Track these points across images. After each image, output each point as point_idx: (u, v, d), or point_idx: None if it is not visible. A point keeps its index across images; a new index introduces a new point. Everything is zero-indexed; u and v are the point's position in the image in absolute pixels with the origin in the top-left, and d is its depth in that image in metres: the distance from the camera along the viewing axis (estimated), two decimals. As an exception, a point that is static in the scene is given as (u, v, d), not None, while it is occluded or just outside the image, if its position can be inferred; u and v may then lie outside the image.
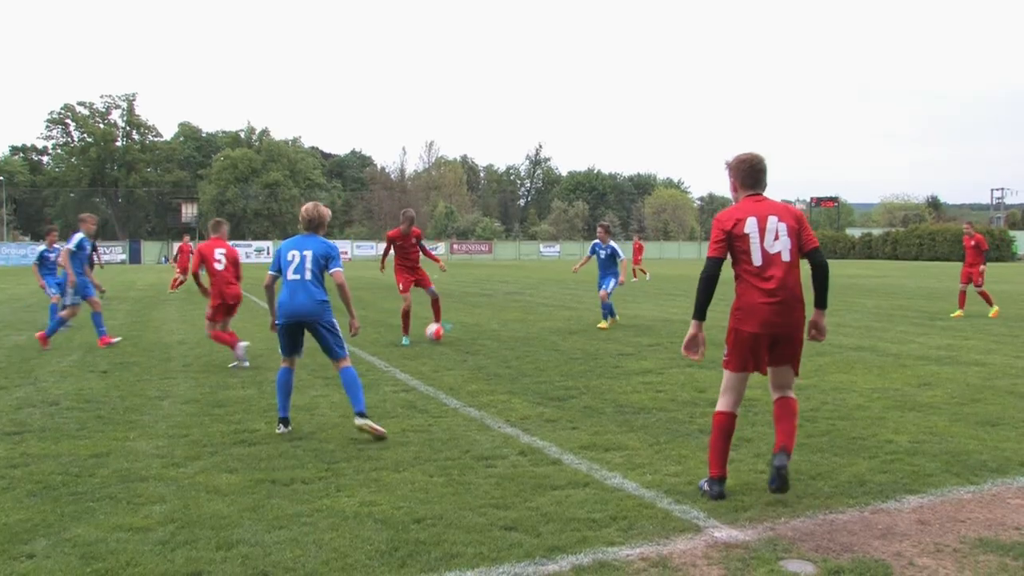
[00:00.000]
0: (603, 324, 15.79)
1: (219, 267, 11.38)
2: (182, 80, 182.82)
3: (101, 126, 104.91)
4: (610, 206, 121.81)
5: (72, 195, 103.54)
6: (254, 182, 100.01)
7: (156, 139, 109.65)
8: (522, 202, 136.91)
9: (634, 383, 9.63)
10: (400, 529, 4.79)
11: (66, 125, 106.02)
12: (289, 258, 7.24)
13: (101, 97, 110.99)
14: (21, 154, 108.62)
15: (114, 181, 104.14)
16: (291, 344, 7.35)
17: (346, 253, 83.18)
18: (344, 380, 7.17)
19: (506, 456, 6.37)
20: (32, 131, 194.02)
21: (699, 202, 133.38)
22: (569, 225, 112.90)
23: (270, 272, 7.44)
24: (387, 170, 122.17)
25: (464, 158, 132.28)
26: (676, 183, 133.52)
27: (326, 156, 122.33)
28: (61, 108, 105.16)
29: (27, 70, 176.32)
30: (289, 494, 5.47)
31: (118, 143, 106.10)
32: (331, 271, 7.29)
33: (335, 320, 7.37)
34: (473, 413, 7.99)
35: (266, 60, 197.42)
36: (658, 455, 6.40)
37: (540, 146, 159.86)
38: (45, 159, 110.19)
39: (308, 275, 7.19)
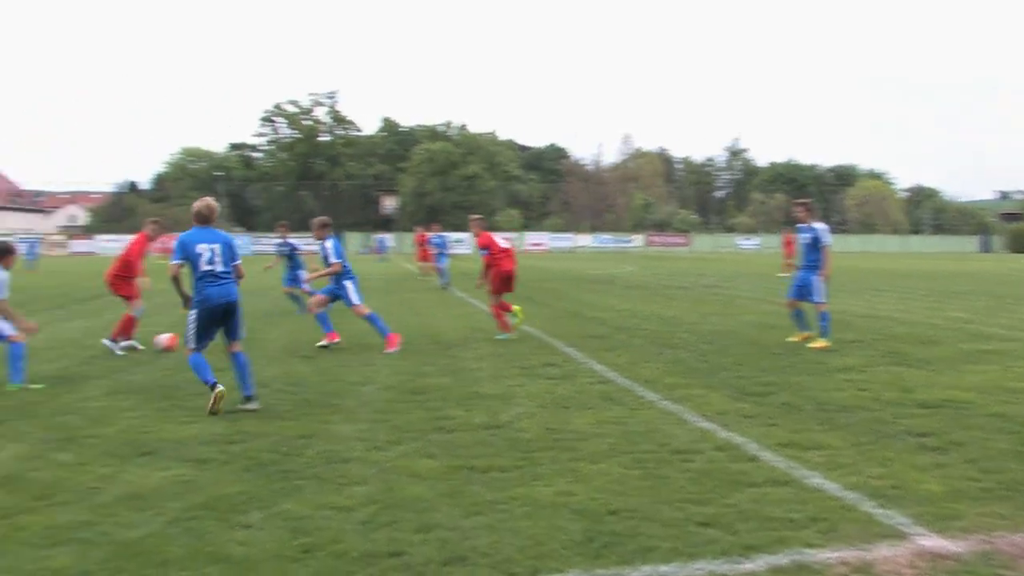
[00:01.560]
0: (796, 337, 12.56)
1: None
2: (384, 76, 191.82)
3: (307, 122, 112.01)
4: (811, 197, 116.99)
5: (280, 188, 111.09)
6: (452, 174, 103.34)
7: (358, 134, 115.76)
8: (720, 194, 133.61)
9: (836, 380, 9.29)
10: (596, 520, 4.84)
11: (275, 123, 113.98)
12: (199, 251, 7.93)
13: (308, 95, 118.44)
14: (238, 151, 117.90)
15: (319, 175, 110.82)
16: (213, 331, 8.12)
17: (543, 244, 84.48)
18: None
19: (703, 451, 6.32)
20: (248, 129, 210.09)
21: (905, 193, 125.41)
22: (768, 217, 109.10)
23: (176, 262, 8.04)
24: (583, 162, 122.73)
25: (661, 150, 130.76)
26: (879, 174, 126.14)
27: (523, 149, 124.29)
28: (272, 107, 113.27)
29: (245, 73, 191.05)
30: (486, 481, 5.62)
31: (323, 138, 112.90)
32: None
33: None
34: (670, 406, 7.96)
35: (464, 56, 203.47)
36: (861, 456, 6.16)
37: (738, 137, 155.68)
38: (257, 155, 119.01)
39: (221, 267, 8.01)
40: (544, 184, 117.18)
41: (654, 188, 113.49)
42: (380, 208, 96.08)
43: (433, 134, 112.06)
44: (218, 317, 8.05)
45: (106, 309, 17.41)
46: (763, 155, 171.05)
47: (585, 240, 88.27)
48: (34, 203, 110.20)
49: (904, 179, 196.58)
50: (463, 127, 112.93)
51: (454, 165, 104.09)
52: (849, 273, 33.58)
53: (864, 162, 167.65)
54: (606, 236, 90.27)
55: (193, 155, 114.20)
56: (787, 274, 32.54)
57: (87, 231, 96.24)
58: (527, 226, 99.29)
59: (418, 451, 6.41)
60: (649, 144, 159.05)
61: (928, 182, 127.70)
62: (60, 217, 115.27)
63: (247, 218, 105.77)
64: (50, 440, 6.76)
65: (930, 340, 12.65)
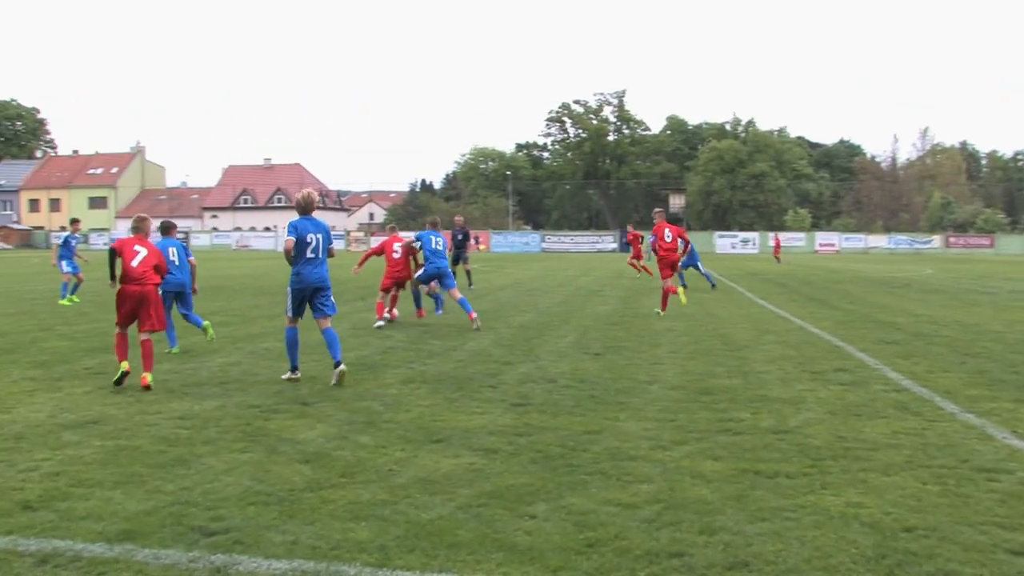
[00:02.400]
0: None
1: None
2: (670, 74, 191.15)
3: (594, 122, 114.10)
4: None
5: (567, 187, 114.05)
6: (740, 173, 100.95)
7: (645, 133, 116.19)
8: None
9: None
10: (888, 536, 4.59)
11: (563, 123, 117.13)
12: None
13: (594, 95, 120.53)
14: (524, 151, 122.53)
15: (605, 173, 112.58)
16: (302, 307, 9.32)
17: (833, 244, 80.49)
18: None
19: (1013, 471, 5.90)
20: (534, 130, 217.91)
21: None
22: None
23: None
24: (877, 159, 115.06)
25: (963, 144, 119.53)
26: None
27: (813, 146, 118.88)
28: (559, 107, 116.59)
29: (533, 74, 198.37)
30: (772, 487, 5.48)
31: (610, 137, 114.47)
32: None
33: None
34: (973, 420, 7.52)
35: (750, 50, 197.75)
36: None
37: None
38: (544, 155, 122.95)
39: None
40: (835, 182, 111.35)
41: (954, 186, 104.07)
42: (667, 207, 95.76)
43: (720, 132, 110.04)
44: (308, 295, 9.27)
45: (405, 301, 18.70)
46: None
47: (878, 241, 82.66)
48: (339, 202, 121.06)
49: None
50: (750, 123, 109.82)
51: (741, 163, 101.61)
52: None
53: None
54: (901, 237, 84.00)
55: (483, 155, 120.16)
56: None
57: (384, 227, 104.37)
58: (817, 226, 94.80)
59: (703, 452, 6.36)
60: (949, 138, 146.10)
61: None
62: (361, 215, 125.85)
63: (535, 216, 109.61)
64: (353, 423, 7.33)
65: None
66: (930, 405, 8.18)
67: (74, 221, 20.90)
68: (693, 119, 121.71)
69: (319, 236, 9.23)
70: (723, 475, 5.75)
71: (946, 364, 10.70)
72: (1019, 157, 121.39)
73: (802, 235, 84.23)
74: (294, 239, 9.12)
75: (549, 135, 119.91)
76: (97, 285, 22.81)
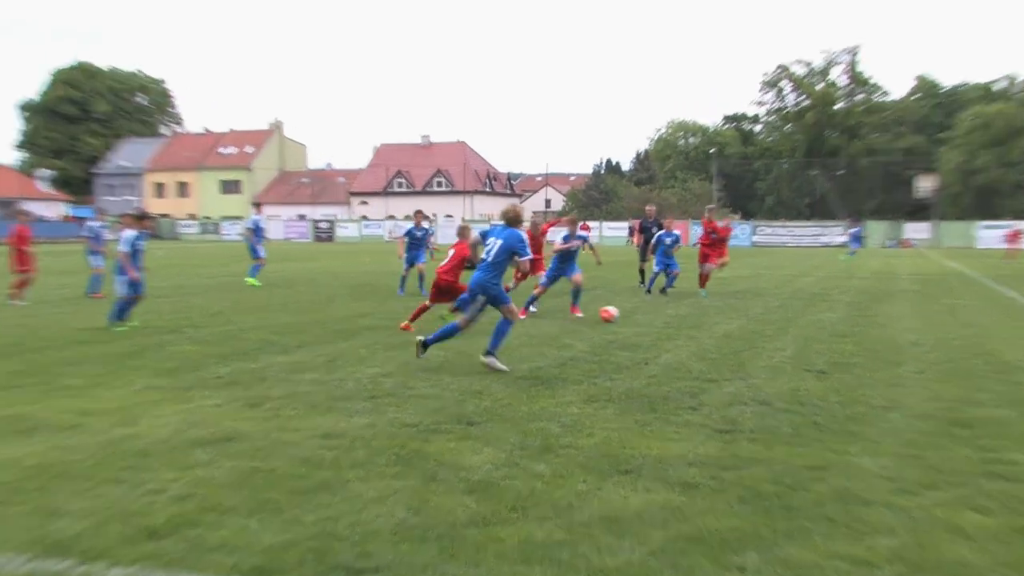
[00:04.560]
0: None
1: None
2: (916, 24, 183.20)
3: (820, 86, 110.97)
4: None
5: (785, 166, 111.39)
6: (1014, 145, 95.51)
7: (884, 98, 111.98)
8: None
9: None
10: None
11: (780, 88, 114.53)
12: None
13: (820, 52, 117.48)
14: (733, 124, 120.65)
15: (833, 150, 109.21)
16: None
17: None
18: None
19: None
20: (745, 98, 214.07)
21: None
22: None
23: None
24: None
25: None
26: None
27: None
28: (776, 69, 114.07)
29: (740, 31, 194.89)
30: (1061, 552, 5.19)
31: (839, 105, 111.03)
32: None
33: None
34: None
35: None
36: None
37: None
38: (757, 128, 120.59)
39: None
40: None
41: None
42: (913, 191, 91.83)
43: (986, 93, 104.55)
44: (474, 293, 11.20)
45: (585, 305, 18.74)
46: None
47: None
48: (510, 186, 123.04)
49: None
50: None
51: (1017, 132, 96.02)
52: None
53: None
54: None
55: (682, 129, 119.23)
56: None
57: (561, 215, 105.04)
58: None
59: (963, 500, 6.12)
60: None
61: None
62: (537, 200, 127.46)
63: (745, 203, 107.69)
64: (526, 447, 7.42)
65: None
66: None
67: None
68: (949, 79, 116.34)
69: (497, 243, 11.22)
70: (991, 533, 5.51)
71: None
72: None
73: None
74: (473, 242, 12.29)
75: (763, 104, 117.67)
76: (215, 281, 24.06)
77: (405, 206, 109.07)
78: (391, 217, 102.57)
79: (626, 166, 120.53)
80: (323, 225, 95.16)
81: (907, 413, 8.89)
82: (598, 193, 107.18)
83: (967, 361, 12.20)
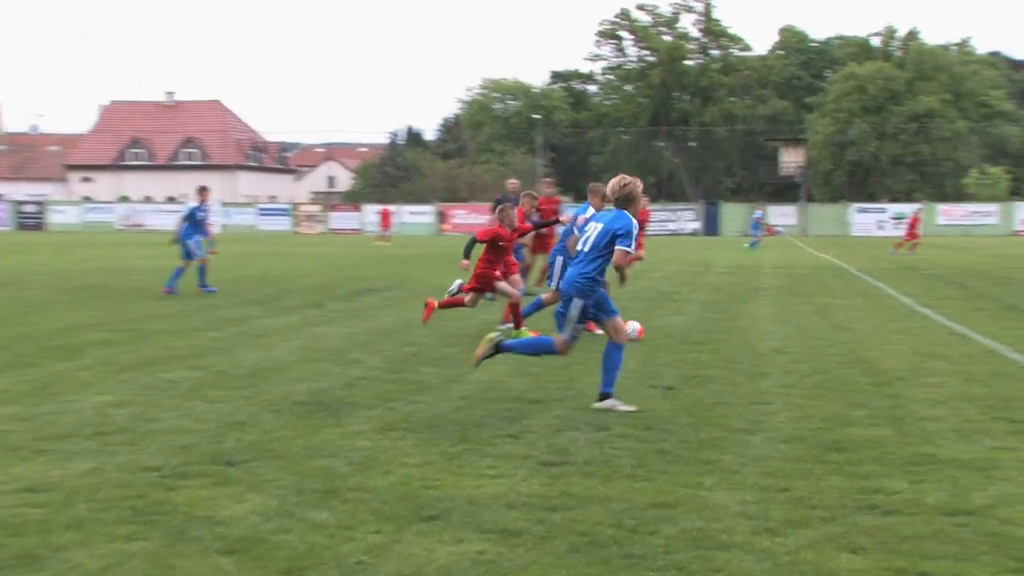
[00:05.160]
0: None
1: None
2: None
3: (668, 39, 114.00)
4: None
5: (626, 137, 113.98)
6: (893, 112, 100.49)
7: (744, 53, 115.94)
8: None
9: None
10: None
11: (619, 40, 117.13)
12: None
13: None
14: (562, 83, 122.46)
15: (683, 116, 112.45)
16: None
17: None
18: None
19: None
20: (577, 52, 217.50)
21: None
22: None
23: None
24: None
25: None
26: None
27: (1018, 66, 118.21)
28: (615, 17, 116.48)
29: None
30: (949, 600, 5.42)
31: (690, 62, 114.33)
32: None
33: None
34: None
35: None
36: None
37: None
38: (592, 90, 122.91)
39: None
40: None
41: None
42: (779, 167, 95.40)
43: (862, 50, 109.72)
44: (567, 299, 10.47)
45: (381, 308, 18.69)
46: None
47: None
48: (282, 160, 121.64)
49: None
50: (912, 36, 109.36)
51: (895, 97, 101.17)
52: None
53: None
54: None
55: (500, 89, 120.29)
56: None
57: (350, 199, 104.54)
58: (1020, 192, 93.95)
59: (835, 539, 6.33)
60: None
61: None
62: (315, 180, 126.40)
63: (577, 181, 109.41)
64: (303, 491, 7.32)
65: None
66: None
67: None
68: (819, 32, 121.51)
69: (597, 227, 10.62)
70: (868, 574, 5.72)
71: None
72: None
73: (993, 208, 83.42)
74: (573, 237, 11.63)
75: (599, 59, 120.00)
76: None
77: (144, 184, 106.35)
78: (125, 199, 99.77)
79: (431, 136, 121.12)
80: (29, 208, 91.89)
81: (772, 436, 9.14)
82: (395, 169, 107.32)
83: (841, 372, 12.67)
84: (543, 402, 10.65)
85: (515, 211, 16.37)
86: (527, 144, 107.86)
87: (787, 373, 12.58)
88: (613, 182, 10.78)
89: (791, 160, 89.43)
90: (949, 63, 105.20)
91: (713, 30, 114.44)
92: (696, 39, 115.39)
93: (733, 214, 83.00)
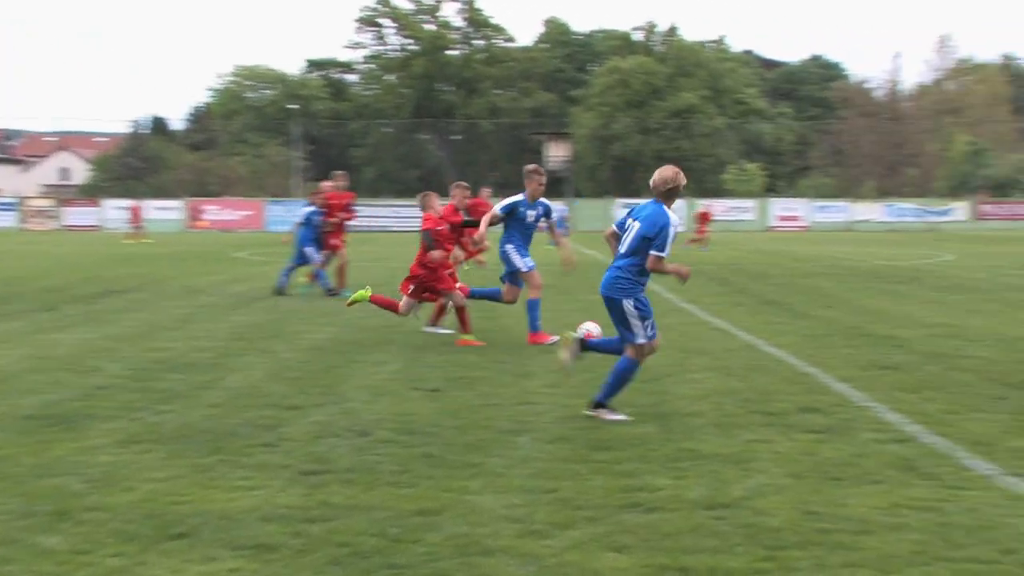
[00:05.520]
0: None
1: None
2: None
3: (431, 27, 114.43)
4: None
5: (389, 131, 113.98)
6: (655, 107, 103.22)
7: (508, 45, 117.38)
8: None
9: None
10: None
11: (379, 28, 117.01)
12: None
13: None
14: (320, 72, 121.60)
15: (447, 109, 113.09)
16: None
17: (798, 217, 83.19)
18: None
19: None
20: (336, 39, 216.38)
21: None
22: None
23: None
24: (869, 86, 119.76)
25: (1007, 59, 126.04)
26: None
27: (768, 65, 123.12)
28: (376, 2, 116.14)
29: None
30: (709, 593, 5.56)
31: (453, 52, 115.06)
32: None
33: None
34: (1021, 487, 7.79)
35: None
36: None
37: None
38: (352, 79, 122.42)
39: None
40: (803, 121, 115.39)
41: (990, 124, 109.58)
42: (544, 160, 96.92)
43: (625, 44, 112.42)
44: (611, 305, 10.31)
45: (125, 311, 18.13)
46: None
47: (870, 211, 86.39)
48: (5, 150, 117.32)
49: None
50: (672, 32, 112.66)
51: (658, 92, 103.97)
52: None
53: None
54: (905, 205, 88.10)
55: (254, 77, 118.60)
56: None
57: (87, 193, 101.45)
58: (774, 189, 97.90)
59: (599, 539, 6.45)
60: (985, 52, 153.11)
61: None
62: (46, 171, 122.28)
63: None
64: (32, 514, 7.01)
65: None
66: (951, 463, 8.40)
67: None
68: (582, 24, 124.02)
69: (635, 225, 10.29)
70: (632, 573, 5.84)
71: (976, 400, 11.04)
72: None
73: (750, 203, 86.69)
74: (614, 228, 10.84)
75: (359, 47, 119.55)
76: None
77: None
78: None
79: (178, 125, 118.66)
80: None
81: (539, 436, 9.25)
82: (139, 161, 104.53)
83: (605, 369, 12.60)
84: (301, 408, 10.49)
85: (437, 199, 16.25)
86: (283, 135, 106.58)
87: (553, 373, 12.60)
88: (666, 174, 10.41)
89: (557, 154, 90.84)
90: (708, 60, 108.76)
91: (476, 20, 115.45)
92: (460, 28, 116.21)
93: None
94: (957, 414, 10.30)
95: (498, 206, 15.78)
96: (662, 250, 9.95)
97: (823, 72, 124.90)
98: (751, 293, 24.19)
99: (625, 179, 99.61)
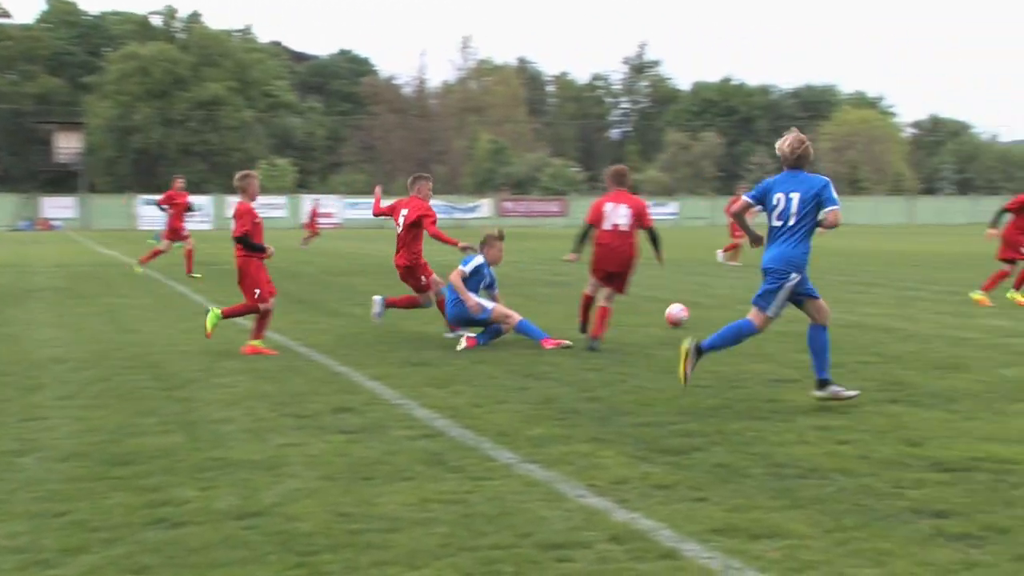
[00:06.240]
0: None
1: None
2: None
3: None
4: (761, 138, 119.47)
5: None
6: (179, 98, 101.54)
7: (7, 23, 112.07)
8: (616, 133, 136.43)
9: (800, 427, 9.83)
10: None
11: None
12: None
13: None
14: None
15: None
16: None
17: (332, 214, 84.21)
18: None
19: (590, 544, 6.53)
20: None
21: (912, 131, 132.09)
22: (693, 170, 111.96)
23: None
24: (397, 82, 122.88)
25: (522, 63, 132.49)
26: (872, 100, 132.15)
27: (298, 58, 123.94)
28: None
29: None
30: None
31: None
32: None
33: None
34: (538, 472, 8.27)
35: None
36: (841, 548, 6.44)
37: (644, 44, 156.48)
38: None
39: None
40: (333, 116, 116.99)
41: (511, 123, 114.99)
42: (53, 153, 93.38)
43: (143, 28, 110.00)
44: (780, 278, 10.61)
45: None
46: (685, 72, 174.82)
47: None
48: None
49: (911, 108, 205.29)
50: (194, 19, 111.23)
51: (181, 82, 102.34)
52: (824, 257, 34.52)
53: (849, 82, 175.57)
54: (436, 202, 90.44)
55: None
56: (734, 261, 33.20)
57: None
58: (306, 185, 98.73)
59: (117, 562, 6.27)
60: (503, 54, 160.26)
61: (949, 113, 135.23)
62: None
63: None
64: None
65: (952, 364, 13.46)
66: (477, 455, 8.83)
67: None
68: (93, 4, 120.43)
69: (793, 196, 10.54)
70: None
71: (500, 391, 11.68)
72: (598, 84, 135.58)
73: (282, 200, 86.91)
74: (749, 200, 11.09)
75: None
76: None
77: None
78: None
79: None
80: None
81: (49, 455, 8.88)
82: None
83: (129, 378, 12.64)
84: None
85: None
86: None
87: (66, 383, 12.32)
88: (793, 141, 10.73)
89: (68, 146, 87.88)
90: (234, 50, 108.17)
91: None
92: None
93: (2, 205, 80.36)
94: (483, 407, 10.84)
95: None
96: (836, 202, 10.61)
97: (353, 67, 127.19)
98: (282, 292, 24.09)
99: (148, 173, 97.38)
